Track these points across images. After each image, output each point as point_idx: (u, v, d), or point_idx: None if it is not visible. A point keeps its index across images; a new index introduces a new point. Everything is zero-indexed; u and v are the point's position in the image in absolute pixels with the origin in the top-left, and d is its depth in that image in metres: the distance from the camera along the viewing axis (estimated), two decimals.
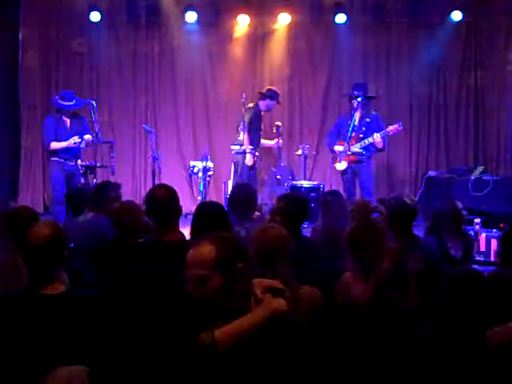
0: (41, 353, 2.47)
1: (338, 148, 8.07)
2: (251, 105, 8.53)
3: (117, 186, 5.18)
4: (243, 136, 8.30)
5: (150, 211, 3.55)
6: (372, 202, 6.69)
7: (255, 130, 8.43)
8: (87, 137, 7.58)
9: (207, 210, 3.92)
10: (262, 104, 8.51)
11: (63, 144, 7.52)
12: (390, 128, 8.01)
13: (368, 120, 8.07)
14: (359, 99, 7.98)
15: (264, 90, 8.59)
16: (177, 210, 3.53)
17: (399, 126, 8.05)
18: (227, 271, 2.14)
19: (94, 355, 2.38)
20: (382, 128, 8.03)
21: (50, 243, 2.70)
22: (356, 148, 7.99)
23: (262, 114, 8.56)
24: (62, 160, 7.59)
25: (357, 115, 8.07)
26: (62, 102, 7.64)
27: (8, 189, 9.66)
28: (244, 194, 4.80)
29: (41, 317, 2.56)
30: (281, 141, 8.64)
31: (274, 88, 8.71)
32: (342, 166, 8.06)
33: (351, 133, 7.96)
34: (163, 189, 3.61)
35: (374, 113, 8.21)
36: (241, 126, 8.35)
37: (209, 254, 2.14)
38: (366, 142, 7.97)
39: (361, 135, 8.02)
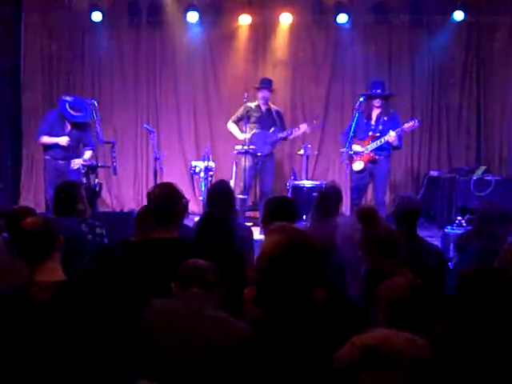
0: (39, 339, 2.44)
1: (356, 148, 7.88)
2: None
3: (80, 186, 4.91)
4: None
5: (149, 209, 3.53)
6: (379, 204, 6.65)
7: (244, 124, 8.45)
8: (78, 161, 7.51)
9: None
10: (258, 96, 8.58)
11: (54, 140, 7.52)
12: (406, 126, 7.89)
13: (385, 118, 7.95)
14: (383, 98, 7.92)
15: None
16: (171, 209, 3.42)
17: (415, 123, 7.93)
18: None
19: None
20: (399, 126, 7.92)
21: (38, 231, 3.04)
22: (372, 146, 7.88)
23: (263, 105, 8.56)
24: (54, 160, 7.64)
25: (375, 114, 7.99)
26: (70, 112, 7.53)
27: (10, 188, 9.67)
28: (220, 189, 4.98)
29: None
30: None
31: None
32: (359, 165, 7.89)
33: (368, 132, 7.90)
34: (159, 187, 3.57)
35: (392, 111, 8.10)
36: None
37: None
38: (382, 140, 7.82)
39: (377, 134, 7.89)
